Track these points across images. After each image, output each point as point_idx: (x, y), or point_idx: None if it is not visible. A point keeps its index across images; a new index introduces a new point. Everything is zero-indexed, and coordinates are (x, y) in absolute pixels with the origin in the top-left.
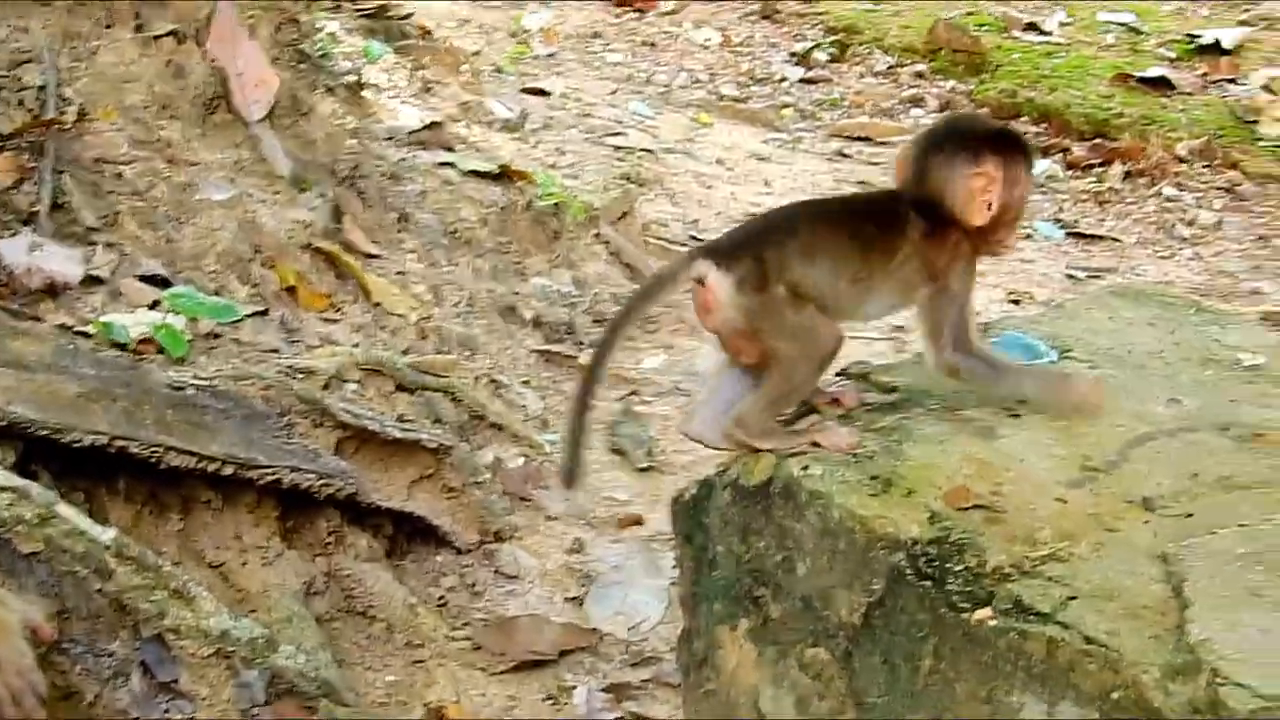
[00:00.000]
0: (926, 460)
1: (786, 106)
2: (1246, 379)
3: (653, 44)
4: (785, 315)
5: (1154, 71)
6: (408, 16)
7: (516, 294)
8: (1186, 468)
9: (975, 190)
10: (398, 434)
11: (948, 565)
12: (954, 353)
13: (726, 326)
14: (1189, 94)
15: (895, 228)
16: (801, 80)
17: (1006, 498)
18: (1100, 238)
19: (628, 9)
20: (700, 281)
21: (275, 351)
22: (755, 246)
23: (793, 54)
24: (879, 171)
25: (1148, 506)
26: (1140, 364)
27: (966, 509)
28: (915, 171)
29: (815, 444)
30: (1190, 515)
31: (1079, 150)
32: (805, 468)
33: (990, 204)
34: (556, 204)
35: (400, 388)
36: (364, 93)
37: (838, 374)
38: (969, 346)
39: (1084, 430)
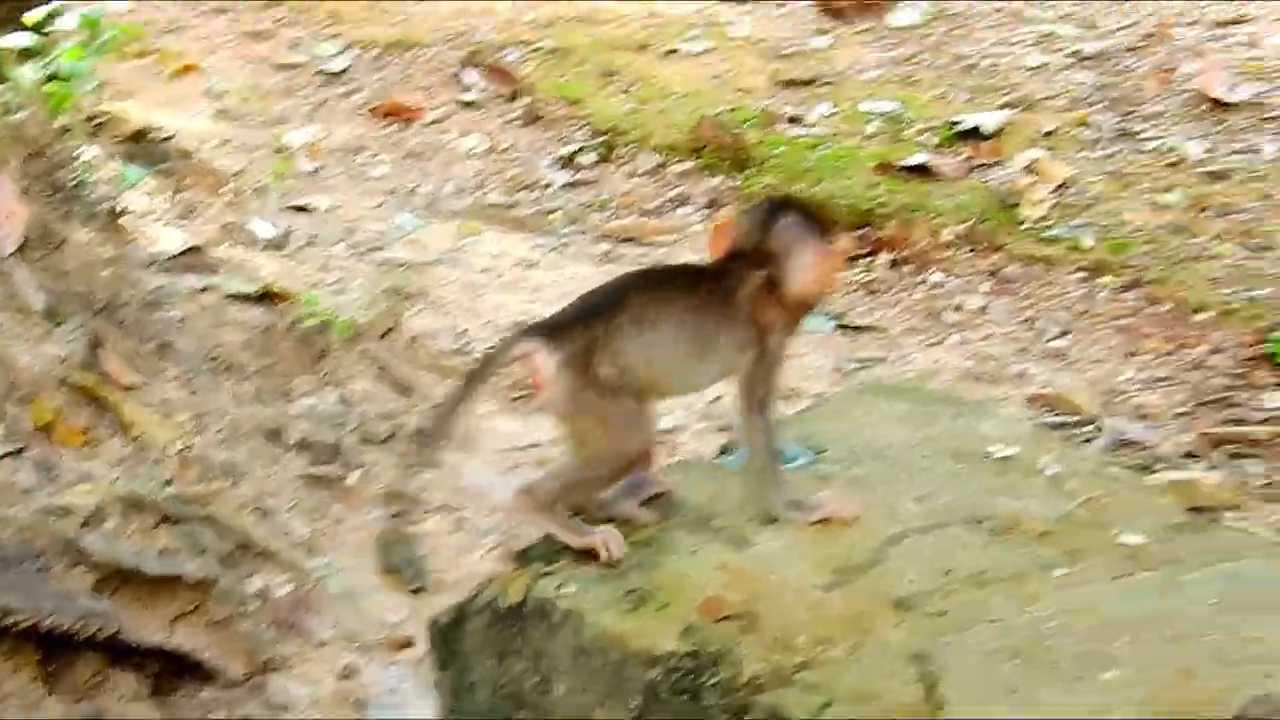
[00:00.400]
0: (681, 572)
1: (554, 211)
2: (998, 470)
3: (418, 155)
4: (605, 404)
5: (917, 159)
6: (169, 139)
7: (282, 417)
8: (940, 564)
9: (817, 264)
10: (158, 569)
11: (703, 679)
12: (759, 414)
13: (550, 407)
14: (952, 180)
15: (730, 294)
16: (568, 184)
17: (762, 605)
18: (869, 328)
19: (393, 120)
20: (528, 358)
21: (30, 492)
22: (586, 323)
23: (559, 158)
24: None
25: (902, 606)
26: (895, 460)
27: (722, 620)
28: (751, 242)
29: (590, 551)
30: (944, 613)
31: (846, 242)
32: (559, 586)
33: (828, 277)
34: (321, 322)
35: (163, 520)
36: (122, 219)
37: None
38: (769, 410)
39: (838, 532)
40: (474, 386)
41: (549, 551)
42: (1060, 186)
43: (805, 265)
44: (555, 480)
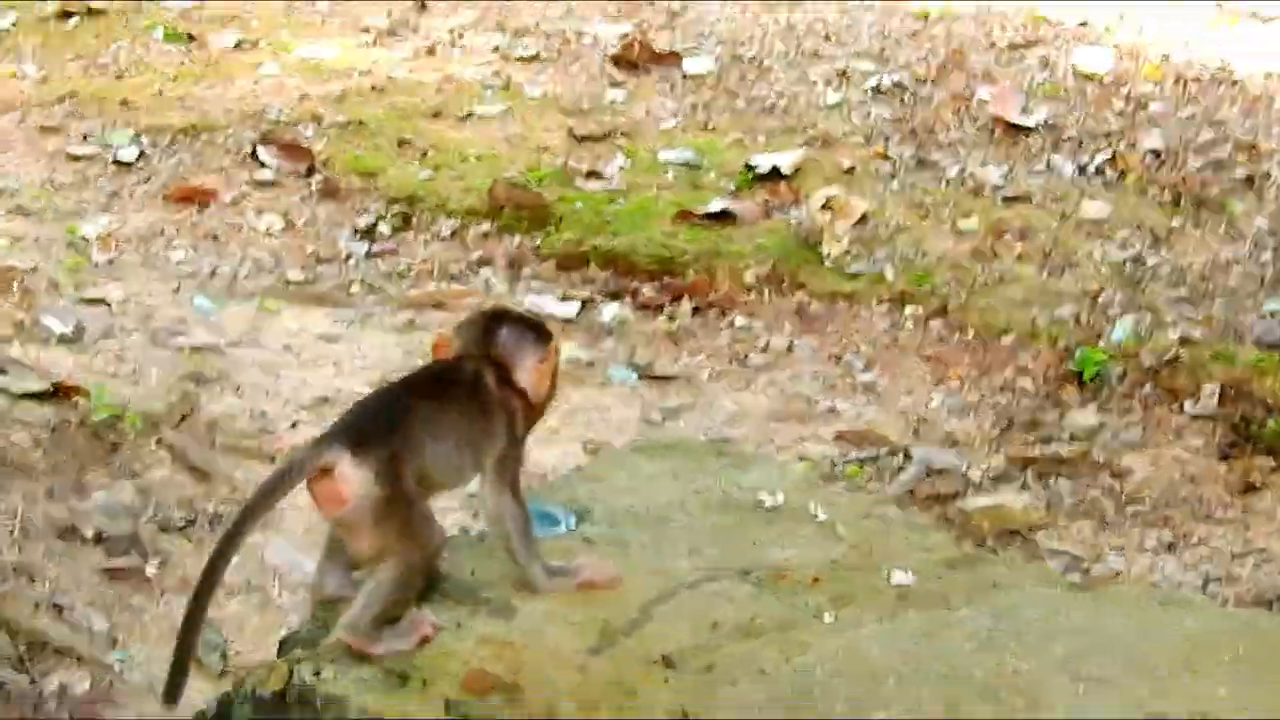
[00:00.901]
0: (443, 647)
1: (354, 283)
2: (767, 519)
3: (215, 236)
4: (409, 511)
5: (715, 205)
6: None
7: (76, 513)
8: (707, 619)
9: (538, 367)
10: None
11: None
12: (512, 500)
13: (351, 520)
14: (752, 223)
15: (481, 392)
16: (368, 255)
17: (526, 675)
18: (674, 377)
19: (188, 204)
20: (328, 471)
21: None
22: (385, 433)
23: (357, 229)
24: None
25: (668, 664)
26: (662, 518)
27: (485, 693)
28: (478, 349)
29: (424, 639)
30: (711, 668)
31: (648, 291)
32: (318, 671)
33: (549, 377)
34: (112, 415)
35: None
36: None
37: None
38: (519, 495)
39: (603, 596)
40: (268, 500)
41: (308, 637)
42: (860, 221)
43: (528, 369)
44: (372, 606)
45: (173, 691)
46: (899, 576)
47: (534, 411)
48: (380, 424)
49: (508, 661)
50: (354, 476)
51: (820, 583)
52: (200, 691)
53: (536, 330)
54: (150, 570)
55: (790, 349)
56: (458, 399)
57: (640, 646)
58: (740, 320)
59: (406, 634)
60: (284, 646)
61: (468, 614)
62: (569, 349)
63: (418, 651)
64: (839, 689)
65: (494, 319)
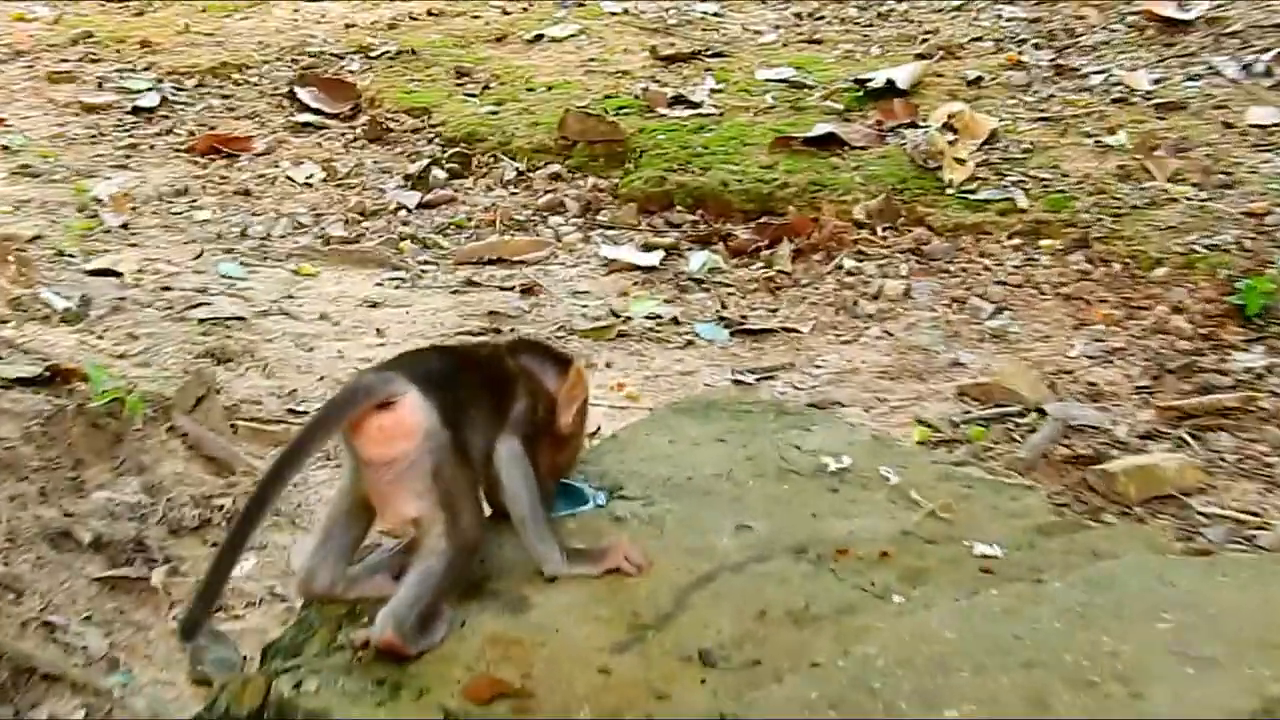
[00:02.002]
0: (443, 651)
1: (405, 239)
2: (829, 486)
3: (247, 192)
4: (469, 471)
5: (820, 129)
6: None
7: (71, 516)
8: (753, 606)
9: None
10: None
11: None
12: (522, 453)
13: (407, 465)
14: (862, 149)
15: (509, 381)
16: (420, 206)
17: (539, 679)
18: (771, 332)
19: (216, 156)
20: (388, 404)
21: None
22: (448, 381)
23: (407, 177)
24: (514, 298)
25: (706, 661)
26: (705, 490)
27: (490, 701)
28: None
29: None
30: (757, 663)
31: (742, 233)
32: (298, 685)
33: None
34: (114, 401)
35: None
36: None
37: None
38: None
39: (632, 583)
40: (326, 430)
41: (291, 645)
42: (988, 140)
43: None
44: (424, 598)
45: (191, 626)
46: (983, 548)
47: (562, 446)
48: (443, 371)
49: (518, 663)
50: (422, 411)
51: (889, 558)
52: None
53: (557, 358)
54: (157, 579)
55: (907, 293)
56: (489, 381)
57: (674, 641)
58: (848, 262)
59: (434, 630)
60: (265, 656)
61: (475, 609)
62: (650, 304)
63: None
64: (903, 682)
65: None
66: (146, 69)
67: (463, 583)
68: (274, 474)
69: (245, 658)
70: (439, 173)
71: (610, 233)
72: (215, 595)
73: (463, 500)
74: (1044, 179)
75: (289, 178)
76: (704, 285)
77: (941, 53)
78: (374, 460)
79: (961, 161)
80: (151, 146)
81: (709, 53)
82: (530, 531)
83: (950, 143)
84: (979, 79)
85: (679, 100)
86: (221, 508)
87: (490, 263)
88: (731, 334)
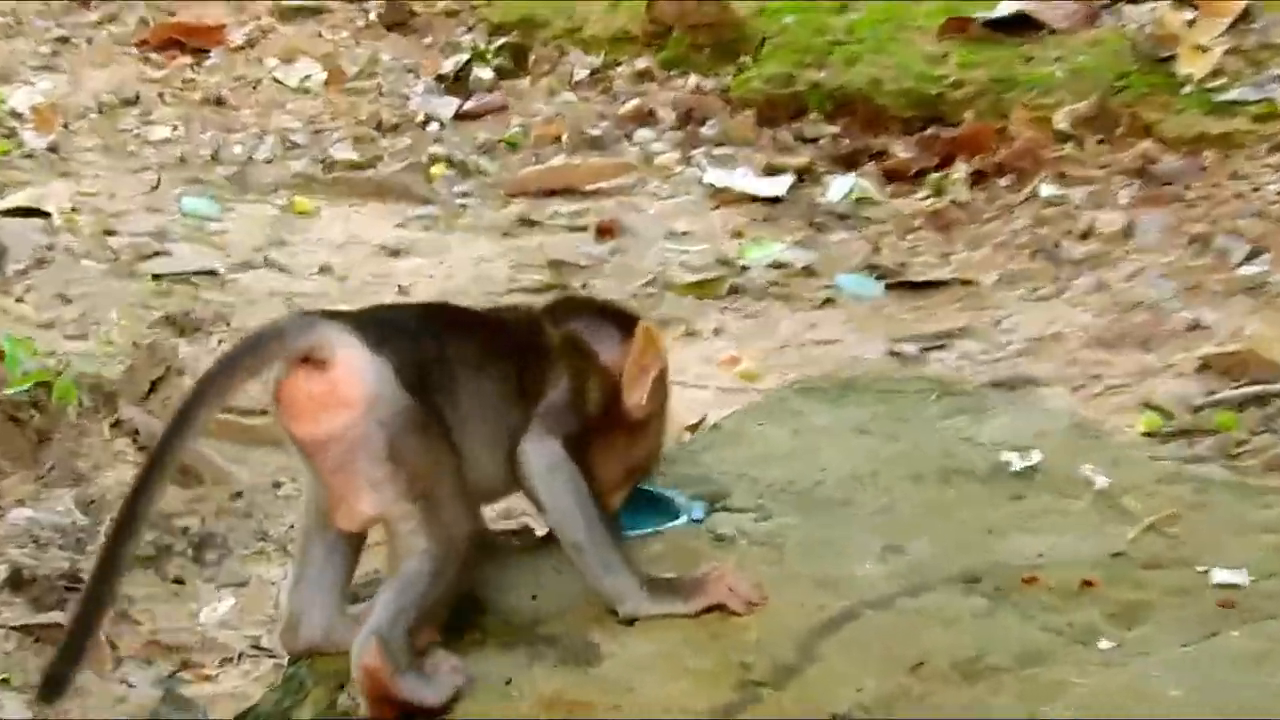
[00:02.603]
0: (488, 712)
1: (437, 162)
2: (1012, 491)
3: (219, 101)
4: (441, 451)
5: (1006, 7)
6: None
7: None
8: (906, 655)
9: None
10: None
11: None
12: (565, 457)
13: (345, 447)
14: (1066, 33)
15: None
16: (457, 117)
17: None
18: (941, 284)
19: (176, 53)
20: (318, 361)
21: None
22: (417, 338)
23: (440, 77)
24: (586, 241)
25: None
26: (841, 499)
27: None
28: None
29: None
30: None
31: (900, 151)
32: None
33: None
34: (42, 386)
35: None
36: None
37: None
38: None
39: (739, 624)
40: (227, 381)
41: (276, 712)
42: (1240, 20)
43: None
44: (407, 610)
45: (54, 682)
46: (1222, 574)
47: (636, 438)
48: (414, 323)
49: None
50: (366, 368)
51: (1093, 588)
52: None
53: (617, 318)
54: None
55: (1127, 231)
56: (510, 349)
57: (798, 703)
58: (1047, 189)
59: (438, 682)
60: None
61: (530, 658)
62: (773, 248)
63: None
64: None
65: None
66: None
67: (455, 595)
68: (146, 473)
69: None
70: (483, 71)
71: (719, 151)
72: (84, 641)
73: (440, 485)
74: None
75: (277, 80)
76: (848, 221)
77: None
78: (306, 440)
79: (1203, 50)
80: (89, 41)
81: None
82: (591, 562)
83: (1188, 23)
84: None
85: None
86: (186, 530)
87: (553, 194)
88: (886, 287)
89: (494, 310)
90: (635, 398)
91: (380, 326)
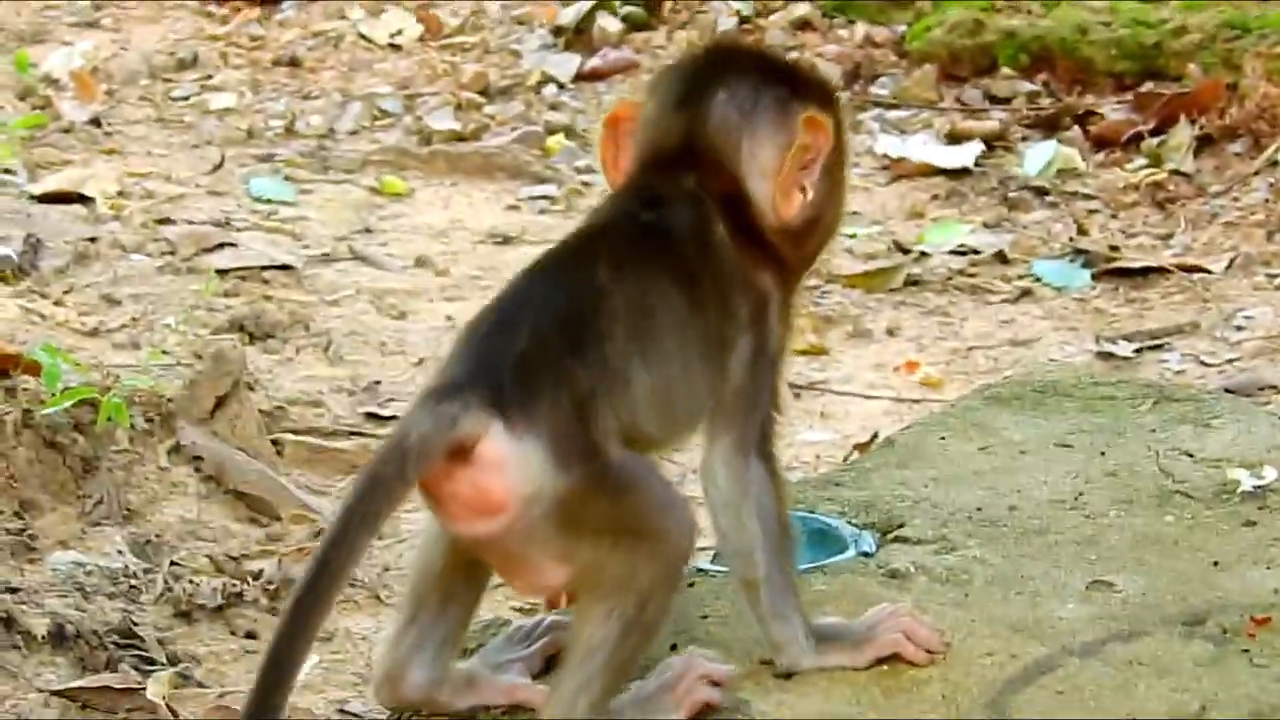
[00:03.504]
0: None
1: (556, 133)
2: (1243, 517)
3: (294, 62)
4: (626, 497)
5: None
6: None
7: (14, 591)
8: (1117, 710)
9: (804, 158)
10: None
11: None
12: (758, 463)
13: (510, 541)
14: None
15: (712, 254)
16: (579, 78)
17: None
18: (1161, 272)
19: (240, 5)
20: (462, 453)
21: None
22: (555, 361)
23: (558, 30)
24: None
25: None
26: (1037, 527)
27: None
28: (674, 139)
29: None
30: None
31: (1111, 112)
32: None
33: (809, 184)
34: (86, 405)
35: None
36: None
37: None
38: (773, 456)
39: (920, 676)
40: (369, 527)
41: None
42: None
43: (779, 165)
44: (594, 682)
45: None
46: None
47: (794, 264)
48: (544, 345)
49: None
50: (513, 463)
51: None
52: None
53: (796, 84)
54: (155, 691)
55: None
56: (674, 272)
57: None
58: None
59: (666, 700)
60: None
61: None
62: (959, 230)
63: None
64: None
65: (710, 67)
66: None
67: (664, 625)
68: (275, 654)
69: None
70: (609, 22)
71: (893, 115)
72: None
73: (629, 540)
74: None
75: (362, 35)
76: (1048, 198)
77: None
78: (468, 539)
79: None
80: None
81: None
82: (767, 602)
83: None
84: None
85: None
86: (259, 575)
87: None
88: (1094, 276)
89: (615, 211)
90: (794, 208)
91: (524, 380)
